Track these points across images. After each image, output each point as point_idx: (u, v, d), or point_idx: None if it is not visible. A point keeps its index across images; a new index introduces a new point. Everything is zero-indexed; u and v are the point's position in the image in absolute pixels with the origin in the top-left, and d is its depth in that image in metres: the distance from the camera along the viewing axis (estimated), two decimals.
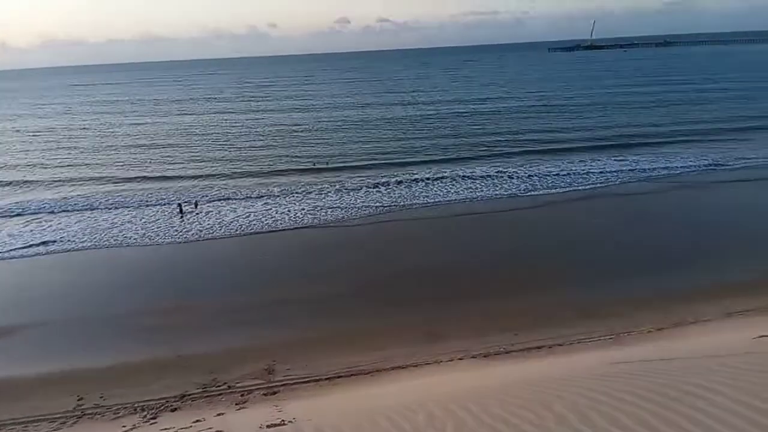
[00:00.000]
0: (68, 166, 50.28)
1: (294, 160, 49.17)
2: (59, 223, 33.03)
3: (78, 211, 35.72)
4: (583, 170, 40.30)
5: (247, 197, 37.31)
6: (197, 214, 33.95)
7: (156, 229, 31.35)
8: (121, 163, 50.42)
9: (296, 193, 37.82)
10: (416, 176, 40.80)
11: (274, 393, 15.10)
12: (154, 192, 39.70)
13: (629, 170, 39.80)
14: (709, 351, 10.62)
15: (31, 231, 31.85)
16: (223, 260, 26.90)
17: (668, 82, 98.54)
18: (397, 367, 16.04)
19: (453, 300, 20.85)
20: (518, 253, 25.46)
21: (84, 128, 75.31)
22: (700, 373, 8.35)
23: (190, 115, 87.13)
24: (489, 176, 39.89)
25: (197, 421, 13.02)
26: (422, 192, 36.84)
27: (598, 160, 43.41)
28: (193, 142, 60.62)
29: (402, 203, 34.54)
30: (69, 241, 30.02)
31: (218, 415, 13.51)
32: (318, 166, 46.25)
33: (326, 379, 15.71)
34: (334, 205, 34.53)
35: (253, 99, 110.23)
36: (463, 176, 40.14)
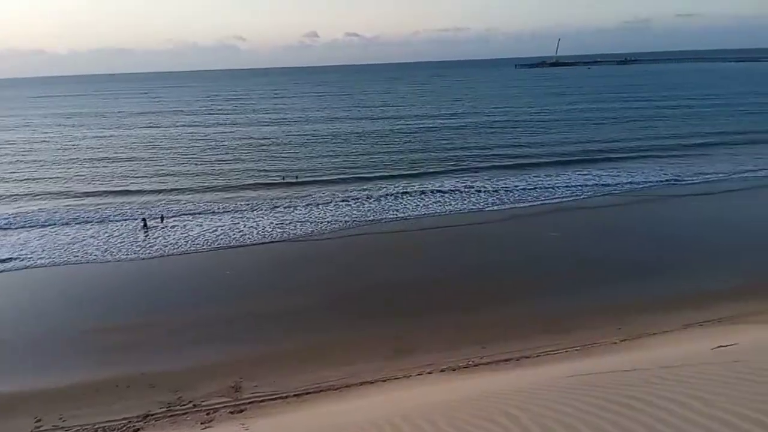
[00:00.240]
0: (27, 180, 48.83)
1: (262, 174, 48.85)
2: (18, 239, 31.98)
3: (38, 226, 34.62)
4: (549, 184, 41.14)
5: (214, 211, 36.84)
6: (163, 228, 33.36)
7: (119, 245, 30.65)
8: (83, 177, 49.25)
9: (265, 207, 37.54)
10: (385, 190, 41.01)
11: (241, 411, 14.85)
12: (117, 206, 38.85)
13: (593, 184, 40.78)
14: (670, 362, 10.87)
15: None
16: (189, 275, 26.45)
17: (628, 99, 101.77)
18: (366, 382, 15.97)
19: (422, 314, 20.91)
20: (486, 267, 25.70)
21: (45, 141, 73.37)
22: (661, 384, 8.56)
23: (156, 128, 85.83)
24: (457, 190, 40.35)
25: None
26: (391, 206, 37.01)
27: (563, 174, 44.41)
28: (159, 156, 59.62)
29: (371, 217, 34.61)
30: (28, 257, 29.06)
31: None
32: (287, 180, 46.04)
33: (294, 395, 15.52)
34: (303, 219, 34.37)
35: (221, 112, 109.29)
36: (432, 190, 40.48)
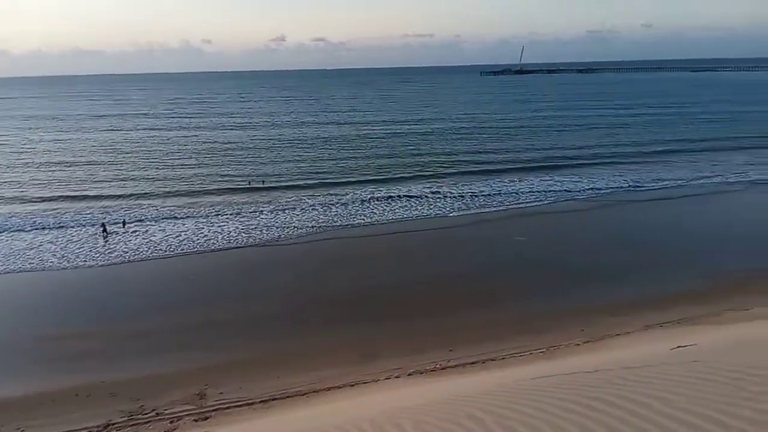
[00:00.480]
0: None
1: (228, 178, 48.23)
2: None
3: None
4: (514, 190, 41.76)
5: (177, 216, 36.15)
6: (124, 233, 32.56)
7: (78, 251, 29.78)
8: (40, 181, 47.69)
9: (230, 212, 37.04)
10: (352, 195, 40.99)
11: (206, 418, 14.59)
12: (76, 212, 37.72)
13: (556, 190, 41.58)
14: (631, 362, 11.14)
15: None
16: (151, 281, 25.85)
17: (589, 107, 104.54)
18: (334, 388, 15.89)
19: (390, 318, 20.95)
20: (453, 271, 25.88)
21: (0, 144, 70.90)
22: (622, 385, 8.76)
23: (117, 131, 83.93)
24: (424, 195, 40.60)
25: None
26: (358, 211, 36.97)
27: (527, 180, 45.16)
28: (121, 160, 58.26)
29: (338, 222, 34.49)
30: None
31: None
32: (253, 184, 45.56)
33: (260, 402, 15.32)
34: (269, 225, 34.03)
35: (185, 116, 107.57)
36: (399, 195, 40.64)
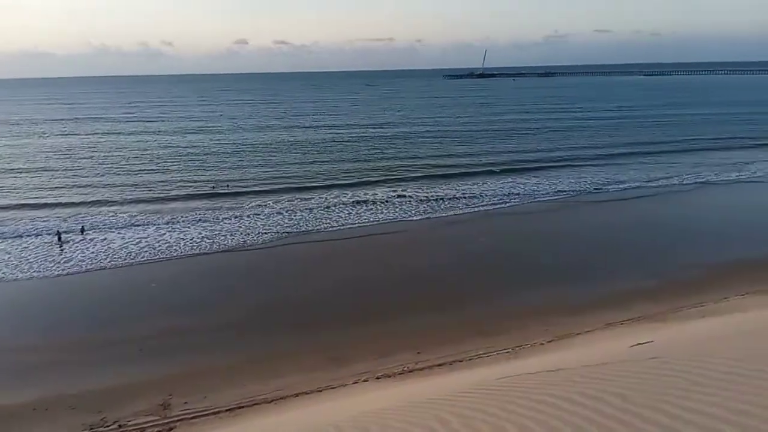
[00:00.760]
0: None
1: (191, 184, 47.42)
2: None
3: None
4: (477, 193, 42.35)
5: (138, 223, 35.34)
6: (82, 240, 31.66)
7: (32, 260, 28.81)
8: None
9: (193, 218, 36.42)
10: (317, 200, 40.88)
11: (171, 429, 14.33)
12: (30, 220, 36.47)
13: (518, 192, 42.34)
14: (592, 360, 11.44)
15: None
16: (110, 290, 25.21)
17: (549, 110, 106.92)
18: (302, 393, 15.82)
19: (356, 322, 20.94)
20: (418, 274, 26.07)
21: None
22: (583, 382, 9.00)
23: (73, 135, 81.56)
24: (388, 200, 40.76)
25: None
26: (323, 215, 36.87)
27: (489, 182, 45.89)
28: (77, 166, 56.56)
29: (303, 227, 34.32)
30: None
31: None
32: (217, 190, 44.94)
33: (227, 410, 15.13)
34: (233, 230, 33.61)
35: (144, 119, 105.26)
36: (364, 200, 40.69)
